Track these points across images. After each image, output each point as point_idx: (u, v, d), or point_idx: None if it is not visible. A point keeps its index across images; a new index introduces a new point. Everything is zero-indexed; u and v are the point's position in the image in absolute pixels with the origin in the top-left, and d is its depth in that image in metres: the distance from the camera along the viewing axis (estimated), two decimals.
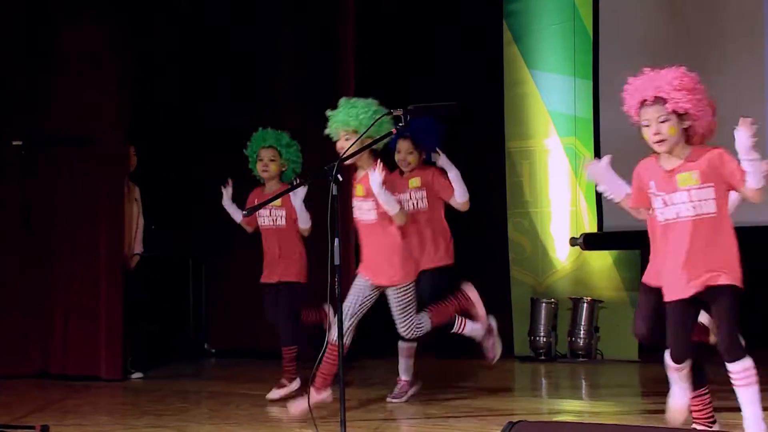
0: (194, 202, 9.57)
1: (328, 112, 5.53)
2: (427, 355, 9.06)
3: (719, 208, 4.39)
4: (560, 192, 9.12)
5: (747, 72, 7.88)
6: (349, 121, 5.41)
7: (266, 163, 6.55)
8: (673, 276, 4.42)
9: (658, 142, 4.46)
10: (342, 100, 5.52)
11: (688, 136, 4.48)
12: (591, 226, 8.87)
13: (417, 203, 6.29)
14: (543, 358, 8.85)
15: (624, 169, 8.59)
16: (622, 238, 8.52)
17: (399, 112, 4.80)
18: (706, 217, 4.39)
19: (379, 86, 10.42)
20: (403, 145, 6.32)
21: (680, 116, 4.42)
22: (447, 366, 8.48)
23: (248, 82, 9.43)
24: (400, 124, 4.82)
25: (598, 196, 8.62)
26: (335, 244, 4.66)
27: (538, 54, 9.17)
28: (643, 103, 4.52)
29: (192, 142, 9.77)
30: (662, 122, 4.44)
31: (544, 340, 8.85)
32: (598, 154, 8.64)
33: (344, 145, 5.42)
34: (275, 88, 9.28)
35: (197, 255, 9.93)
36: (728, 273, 4.36)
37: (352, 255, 8.89)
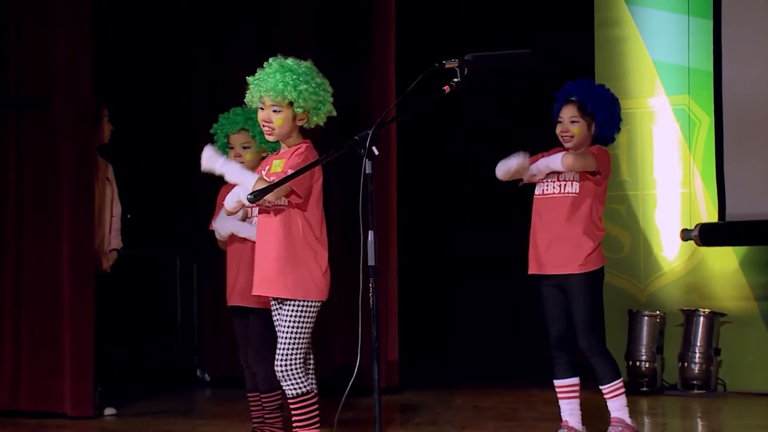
0: (184, 184, 9.59)
1: (250, 79, 5.46)
2: (500, 386, 9.13)
3: None
4: (669, 169, 9.08)
5: None
6: (284, 92, 5.33)
7: (238, 152, 6.53)
8: None
9: None
10: (275, 62, 5.44)
11: None
12: (710, 215, 8.82)
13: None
14: (645, 389, 8.82)
15: (755, 138, 8.55)
16: (752, 229, 8.46)
17: (454, 63, 4.75)
18: None
19: (427, 28, 10.56)
20: (567, 112, 6.23)
21: None
22: (525, 398, 8.47)
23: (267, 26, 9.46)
24: (455, 80, 4.77)
25: (720, 173, 8.56)
26: (370, 238, 4.63)
27: None
28: None
29: (185, 105, 9.80)
30: None
31: (647, 365, 8.82)
32: (719, 119, 8.58)
33: (272, 116, 5.35)
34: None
35: (187, 252, 9.96)
36: None
37: (393, 253, 8.89)
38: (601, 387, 6.10)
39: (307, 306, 5.37)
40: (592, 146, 6.10)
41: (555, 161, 6.04)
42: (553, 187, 6.11)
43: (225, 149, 6.58)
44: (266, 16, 9.37)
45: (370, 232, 4.63)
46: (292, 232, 5.39)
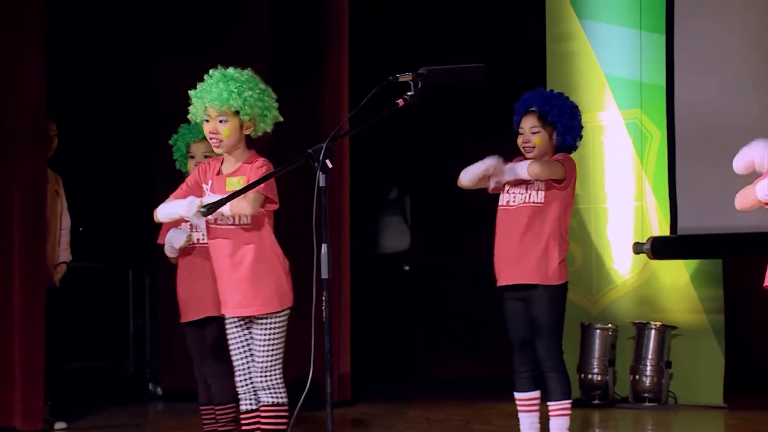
0: (136, 195, 9.54)
1: (192, 92, 5.44)
2: (454, 398, 9.13)
3: None
4: (620, 183, 9.09)
5: None
6: (230, 101, 5.33)
7: (198, 161, 6.53)
8: None
9: None
10: (216, 73, 5.45)
11: None
12: (661, 228, 8.84)
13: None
14: (597, 402, 8.82)
15: (707, 151, 8.61)
16: (703, 243, 8.49)
17: (407, 77, 4.74)
18: None
19: (380, 43, 10.57)
20: (527, 122, 6.21)
21: None
22: (479, 411, 8.47)
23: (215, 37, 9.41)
24: (409, 93, 4.77)
25: (672, 187, 8.60)
26: (323, 251, 4.63)
27: (593, 0, 9.17)
28: None
29: (136, 114, 9.75)
30: None
31: (599, 378, 8.83)
32: (671, 132, 8.63)
33: (218, 128, 5.36)
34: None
35: (140, 264, 9.90)
36: None
37: (346, 265, 8.89)
38: (549, 403, 6.07)
39: (283, 315, 5.42)
40: (556, 154, 6.11)
41: (521, 169, 6.01)
42: (519, 198, 6.09)
43: (184, 159, 6.57)
44: (221, 30, 9.35)
45: (323, 245, 4.62)
46: (263, 246, 5.42)
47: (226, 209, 5.27)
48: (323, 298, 4.63)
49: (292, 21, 9.14)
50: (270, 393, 5.40)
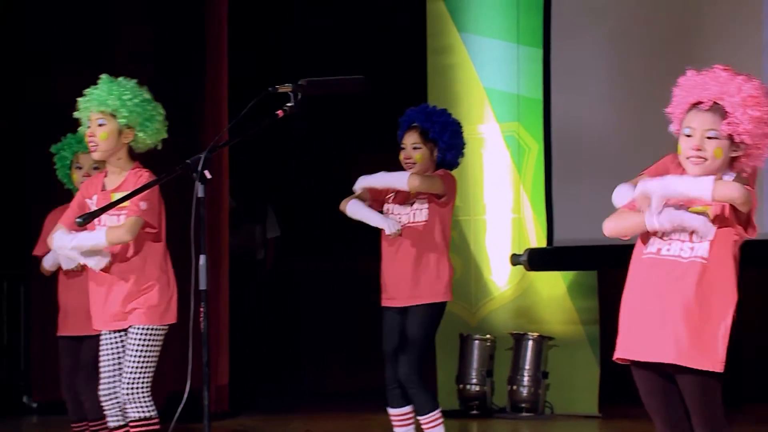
0: (9, 206, 9.40)
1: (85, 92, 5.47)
2: (336, 410, 9.12)
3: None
4: (498, 195, 9.17)
5: (742, 46, 7.97)
6: (108, 101, 5.35)
7: (87, 172, 6.45)
8: (661, 330, 4.33)
9: (694, 158, 4.17)
10: (104, 77, 5.48)
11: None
12: (539, 240, 8.93)
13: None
14: (475, 412, 8.89)
15: (582, 165, 8.73)
16: (579, 255, 8.60)
17: (287, 88, 4.74)
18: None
19: (256, 56, 10.55)
20: (409, 138, 6.24)
21: (734, 143, 4.13)
22: (359, 422, 8.46)
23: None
24: (289, 104, 4.77)
25: (549, 199, 8.69)
26: (201, 262, 4.60)
27: (472, 13, 9.21)
28: (694, 106, 4.21)
29: (5, 123, 9.61)
30: (710, 138, 4.16)
31: (477, 389, 8.90)
32: (548, 146, 8.72)
33: (96, 131, 5.37)
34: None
35: (14, 273, 9.75)
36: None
37: (225, 276, 8.84)
38: (419, 417, 6.11)
39: (160, 331, 5.37)
40: (437, 170, 6.16)
41: (399, 181, 6.05)
42: (404, 218, 6.11)
43: (67, 170, 6.48)
44: (97, 37, 9.26)
45: (201, 256, 4.60)
46: (147, 263, 5.37)
47: (102, 240, 5.25)
48: (201, 309, 4.60)
49: (170, 29, 9.08)
50: (137, 408, 5.33)
